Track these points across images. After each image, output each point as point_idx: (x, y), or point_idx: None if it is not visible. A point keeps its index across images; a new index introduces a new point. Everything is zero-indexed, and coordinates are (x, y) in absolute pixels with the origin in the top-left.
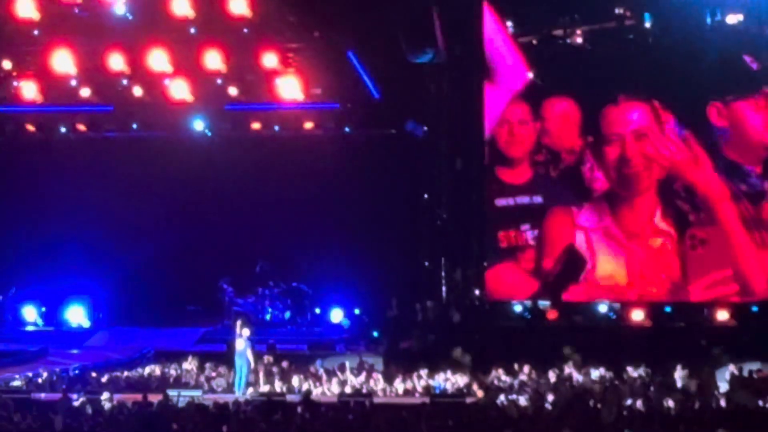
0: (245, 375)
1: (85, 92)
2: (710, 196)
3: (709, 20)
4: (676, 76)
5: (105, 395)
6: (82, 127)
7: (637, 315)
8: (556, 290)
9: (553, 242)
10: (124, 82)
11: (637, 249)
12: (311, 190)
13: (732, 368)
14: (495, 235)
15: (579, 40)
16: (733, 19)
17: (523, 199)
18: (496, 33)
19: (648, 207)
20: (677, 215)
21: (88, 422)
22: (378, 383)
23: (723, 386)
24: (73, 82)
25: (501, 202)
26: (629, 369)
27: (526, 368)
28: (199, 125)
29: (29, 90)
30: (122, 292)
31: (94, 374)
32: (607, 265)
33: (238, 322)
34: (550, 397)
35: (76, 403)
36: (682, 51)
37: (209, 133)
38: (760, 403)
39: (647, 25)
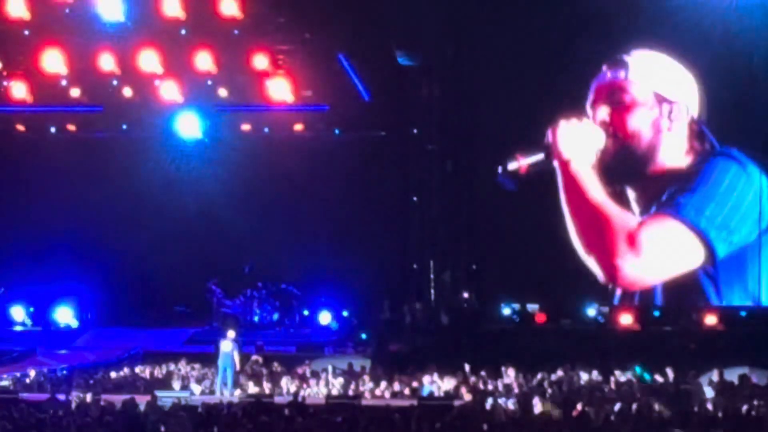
0: (231, 376)
1: (75, 92)
2: None
3: None
4: None
5: (93, 395)
6: (72, 128)
7: (626, 319)
8: None
9: None
10: (115, 82)
11: None
12: (300, 191)
13: (715, 373)
14: None
15: None
16: None
17: None
18: None
19: None
20: None
21: (75, 422)
22: (365, 384)
23: (708, 391)
24: (64, 83)
25: None
26: (617, 372)
27: (513, 371)
28: (187, 126)
29: (19, 90)
30: (110, 292)
31: (82, 374)
32: None
33: (225, 324)
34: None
35: (63, 403)
36: None
37: (200, 135)
38: (745, 407)
39: None
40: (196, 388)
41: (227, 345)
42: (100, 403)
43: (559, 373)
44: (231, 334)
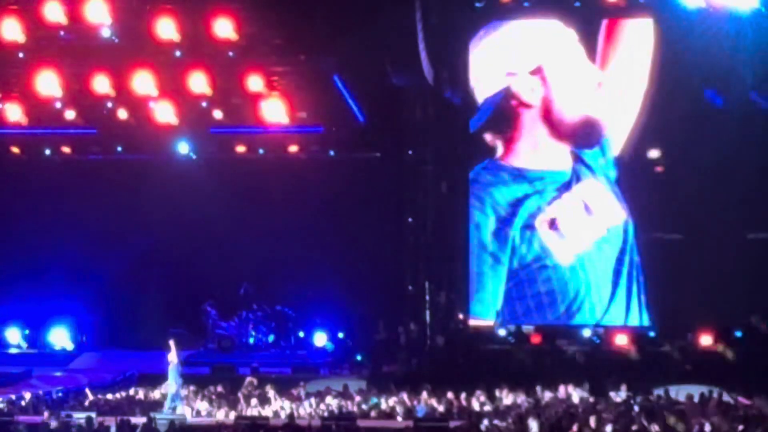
0: (170, 397)
1: (70, 115)
2: None
3: None
4: None
5: (88, 416)
6: (66, 150)
7: (621, 339)
8: None
9: None
10: (109, 104)
11: None
12: (295, 213)
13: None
14: None
15: None
16: None
17: None
18: None
19: None
20: None
21: None
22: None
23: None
24: (58, 105)
25: None
26: (611, 393)
27: (509, 392)
28: (184, 148)
29: (14, 112)
30: (106, 314)
31: (77, 397)
32: None
33: (170, 342)
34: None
35: (58, 425)
36: None
37: (194, 156)
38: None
39: None
40: (187, 410)
41: (171, 364)
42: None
43: (555, 393)
44: (173, 356)
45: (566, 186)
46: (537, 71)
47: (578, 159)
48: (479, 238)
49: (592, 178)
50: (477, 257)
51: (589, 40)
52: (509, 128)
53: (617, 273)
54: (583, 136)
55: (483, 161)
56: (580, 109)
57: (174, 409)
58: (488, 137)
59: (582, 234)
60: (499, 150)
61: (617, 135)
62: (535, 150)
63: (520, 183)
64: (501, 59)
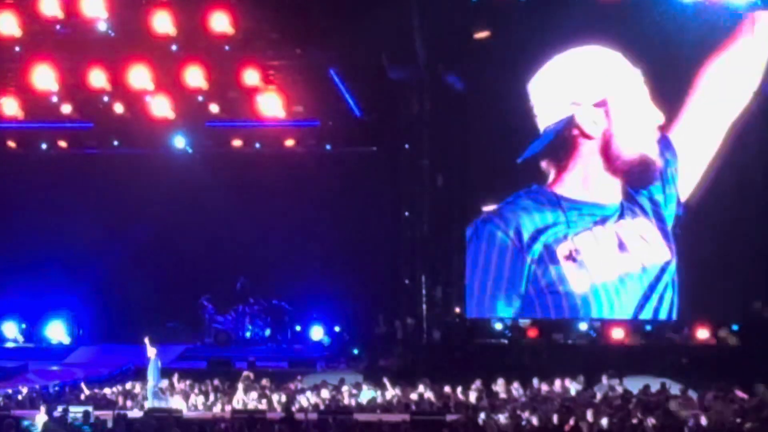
0: (149, 391)
1: (66, 109)
2: None
3: None
4: None
5: (85, 411)
6: (63, 144)
7: (618, 333)
8: None
9: None
10: (105, 98)
11: None
12: (292, 207)
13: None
14: None
15: None
16: None
17: None
18: None
19: None
20: None
21: None
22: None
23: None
24: (54, 99)
25: None
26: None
27: (505, 385)
28: (180, 142)
29: (10, 106)
30: (102, 308)
31: (74, 391)
32: None
33: (146, 340)
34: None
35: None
36: None
37: (190, 150)
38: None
39: None
40: (182, 404)
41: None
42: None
43: (551, 387)
44: (152, 351)
45: (603, 220)
46: (602, 104)
47: (629, 197)
48: (497, 263)
49: (641, 217)
50: (494, 282)
51: (654, 80)
52: (566, 157)
53: (639, 309)
54: (636, 174)
55: (530, 185)
56: (638, 148)
57: (155, 402)
58: (543, 164)
59: (604, 267)
60: (550, 177)
61: (689, 178)
62: (585, 182)
63: (553, 211)
64: (566, 88)
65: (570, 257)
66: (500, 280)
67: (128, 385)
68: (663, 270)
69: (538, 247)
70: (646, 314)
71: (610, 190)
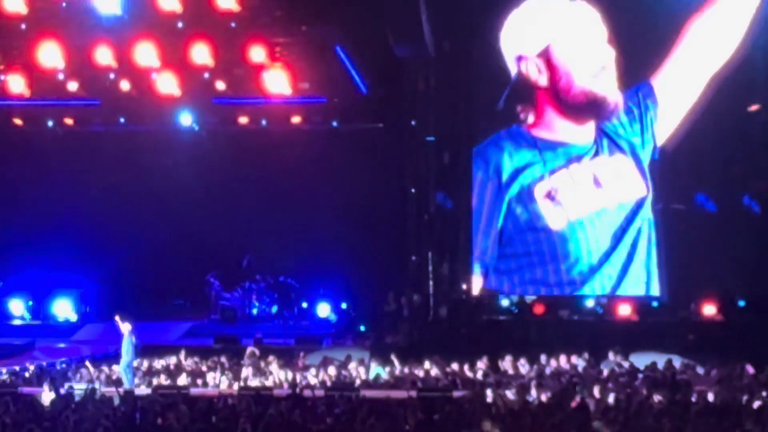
0: (121, 367)
1: (73, 86)
2: None
3: None
4: None
5: (91, 388)
6: (69, 121)
7: (624, 309)
8: None
9: None
10: (112, 76)
11: None
12: (298, 184)
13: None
14: None
15: None
16: None
17: None
18: None
19: None
20: None
21: (73, 416)
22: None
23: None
24: (61, 76)
25: None
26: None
27: (512, 362)
28: (186, 119)
29: (16, 84)
30: (109, 285)
31: (80, 368)
32: None
33: (116, 318)
34: (542, 393)
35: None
36: None
37: (197, 127)
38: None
39: None
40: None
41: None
42: (99, 395)
43: (558, 363)
44: (126, 327)
45: (578, 158)
46: (544, 53)
47: (603, 134)
48: (478, 200)
49: (618, 154)
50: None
51: (612, 18)
52: (531, 104)
53: (617, 241)
54: (593, 112)
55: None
56: (584, 87)
57: (128, 379)
58: (518, 108)
59: (580, 204)
60: (530, 119)
61: (667, 124)
62: (554, 124)
63: (530, 150)
64: (513, 43)
65: (549, 196)
66: (479, 217)
67: (135, 362)
68: (639, 205)
69: (515, 186)
70: (623, 250)
71: (581, 130)
